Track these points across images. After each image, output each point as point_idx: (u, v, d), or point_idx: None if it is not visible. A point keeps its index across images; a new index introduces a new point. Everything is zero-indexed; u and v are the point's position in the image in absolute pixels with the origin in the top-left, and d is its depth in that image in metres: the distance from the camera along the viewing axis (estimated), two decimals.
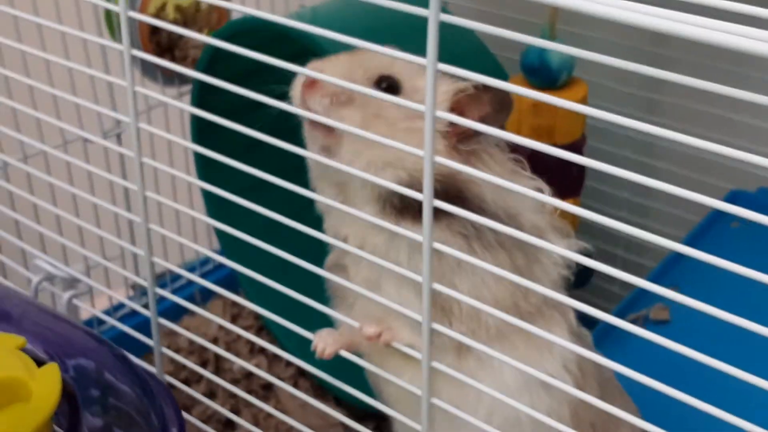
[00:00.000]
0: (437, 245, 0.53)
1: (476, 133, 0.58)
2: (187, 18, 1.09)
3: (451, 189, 0.57)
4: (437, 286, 0.55)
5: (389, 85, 0.61)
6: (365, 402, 0.68)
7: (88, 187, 0.97)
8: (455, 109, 0.59)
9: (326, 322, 0.70)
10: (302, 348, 0.87)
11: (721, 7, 0.42)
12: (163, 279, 1.20)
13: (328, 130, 0.60)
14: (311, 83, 0.61)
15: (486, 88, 0.57)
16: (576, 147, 0.79)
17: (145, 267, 0.73)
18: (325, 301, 0.70)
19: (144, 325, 0.82)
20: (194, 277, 0.76)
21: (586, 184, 0.91)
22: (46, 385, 0.56)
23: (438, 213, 0.53)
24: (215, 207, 1.11)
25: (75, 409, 0.60)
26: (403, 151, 0.52)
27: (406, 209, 0.59)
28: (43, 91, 0.80)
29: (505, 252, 0.60)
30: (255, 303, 1.12)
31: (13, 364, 0.57)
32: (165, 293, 0.76)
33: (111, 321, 0.84)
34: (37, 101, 0.92)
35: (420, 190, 0.52)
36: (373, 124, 0.58)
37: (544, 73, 0.79)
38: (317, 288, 0.70)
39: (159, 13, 1.07)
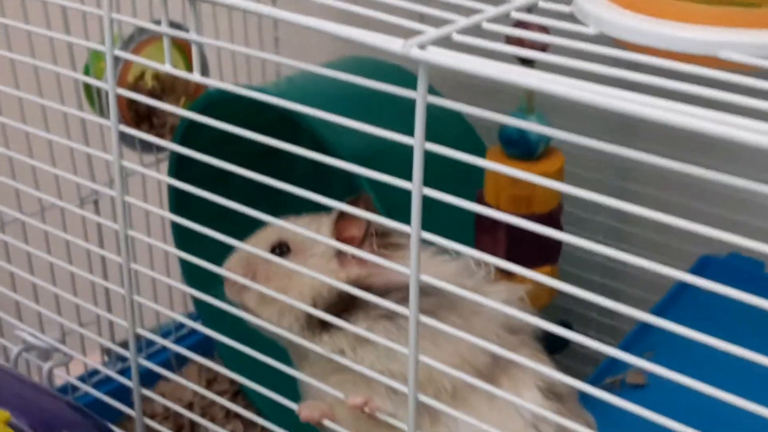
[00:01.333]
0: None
1: (363, 238, 0.70)
2: (165, 86, 1.09)
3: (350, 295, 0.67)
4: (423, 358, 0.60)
5: (281, 250, 0.74)
6: None
7: (65, 252, 0.97)
8: (341, 234, 0.72)
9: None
10: (278, 412, 0.87)
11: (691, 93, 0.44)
12: (138, 343, 1.19)
13: (244, 308, 0.75)
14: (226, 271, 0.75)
15: (355, 203, 0.66)
16: (553, 215, 0.80)
17: (123, 334, 0.73)
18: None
19: (118, 391, 0.81)
20: (169, 344, 0.76)
21: (562, 248, 0.92)
22: None
23: (351, 307, 0.68)
24: (192, 272, 1.11)
25: None
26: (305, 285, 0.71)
27: (313, 324, 0.71)
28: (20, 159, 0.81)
29: (435, 317, 0.62)
30: (231, 367, 1.13)
31: None
32: (146, 363, 0.76)
33: (86, 388, 0.84)
34: (14, 167, 0.92)
35: (317, 306, 0.69)
36: (273, 286, 0.71)
37: (522, 145, 0.80)
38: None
39: (137, 82, 1.08)
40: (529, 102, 0.82)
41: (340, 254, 0.72)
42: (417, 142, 0.51)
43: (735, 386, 0.51)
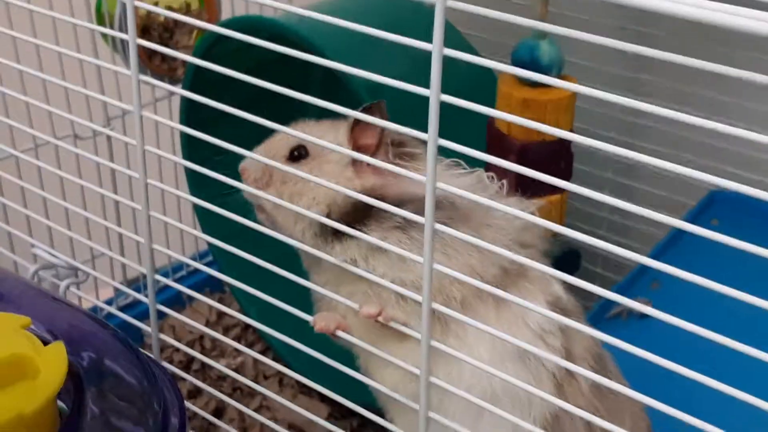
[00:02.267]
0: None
1: (378, 146, 0.70)
2: (177, 19, 1.09)
3: (365, 203, 0.65)
4: (438, 266, 0.58)
5: (299, 153, 0.74)
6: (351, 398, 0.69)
7: (80, 196, 0.98)
8: (356, 141, 0.71)
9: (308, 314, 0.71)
10: (289, 345, 0.88)
11: None
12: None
13: (260, 209, 0.75)
14: (242, 171, 0.75)
15: (369, 110, 0.65)
16: (565, 143, 0.80)
17: (144, 255, 0.73)
18: (309, 301, 0.70)
19: (130, 325, 0.82)
20: (180, 287, 0.76)
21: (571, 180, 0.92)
22: (52, 363, 0.56)
23: (364, 216, 0.68)
24: (202, 208, 1.11)
25: (80, 389, 0.60)
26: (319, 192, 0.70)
27: (326, 232, 0.70)
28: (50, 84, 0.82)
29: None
30: (241, 301, 1.14)
31: (20, 342, 0.57)
32: (165, 279, 0.77)
33: (106, 308, 0.85)
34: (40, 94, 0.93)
35: (330, 216, 0.68)
36: (288, 189, 0.72)
37: (534, 70, 0.80)
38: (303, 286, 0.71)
39: (150, 15, 1.07)
40: (543, 13, 0.81)
41: (356, 162, 0.71)
42: (435, 52, 0.50)
43: (737, 319, 0.52)
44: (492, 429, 0.66)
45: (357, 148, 0.70)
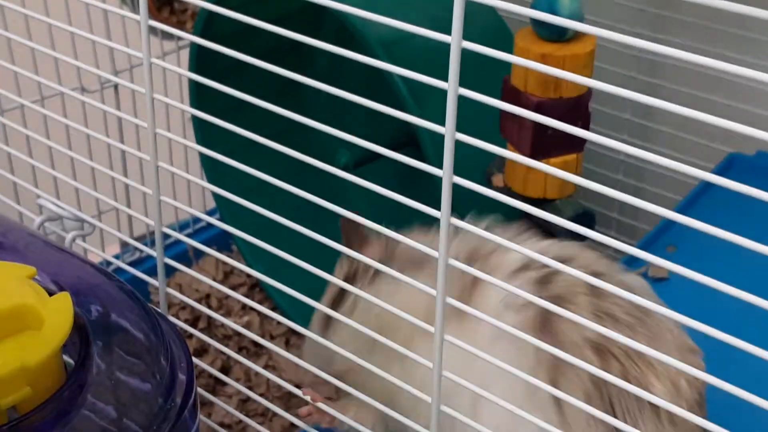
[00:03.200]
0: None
1: None
2: None
3: None
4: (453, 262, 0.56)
5: None
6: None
7: (86, 145, 0.96)
8: None
9: (319, 279, 0.69)
10: (295, 304, 0.87)
11: None
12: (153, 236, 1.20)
13: None
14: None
15: None
16: (582, 101, 0.78)
17: (152, 207, 0.72)
18: (318, 259, 0.69)
19: (135, 281, 0.80)
20: (188, 239, 0.75)
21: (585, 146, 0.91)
22: (57, 313, 0.55)
23: None
24: (211, 163, 1.11)
25: (85, 342, 0.59)
26: None
27: None
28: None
29: None
30: (248, 259, 1.13)
31: (25, 292, 0.56)
32: (173, 232, 0.75)
33: (115, 262, 0.84)
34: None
35: None
36: None
37: (553, 24, 0.78)
38: (311, 246, 0.70)
39: None
40: None
41: None
42: (454, 43, 0.49)
43: (755, 283, 0.50)
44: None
45: None
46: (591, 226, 0.85)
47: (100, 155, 1.00)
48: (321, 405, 0.71)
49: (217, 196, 1.15)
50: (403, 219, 0.64)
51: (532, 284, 0.64)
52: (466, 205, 0.58)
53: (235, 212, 1.08)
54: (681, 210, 0.98)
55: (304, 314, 0.76)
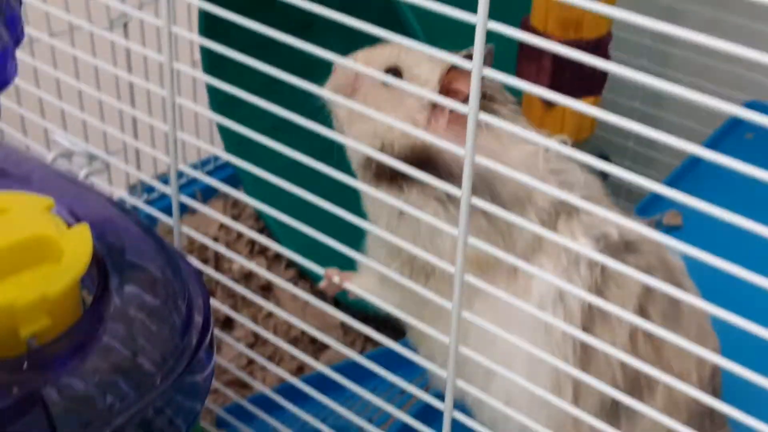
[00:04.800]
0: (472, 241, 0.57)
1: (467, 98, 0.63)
2: None
3: (422, 157, 0.65)
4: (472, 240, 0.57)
5: (393, 74, 0.68)
6: (364, 304, 0.68)
7: (94, 77, 0.95)
8: (447, 85, 0.67)
9: (329, 224, 0.69)
10: (303, 251, 0.86)
11: None
12: (163, 177, 1.19)
13: (335, 116, 0.72)
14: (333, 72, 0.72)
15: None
16: (602, 43, 0.78)
17: (168, 144, 0.71)
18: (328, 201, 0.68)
19: (149, 221, 0.80)
20: (202, 176, 0.74)
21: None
22: (76, 245, 0.55)
23: (409, 179, 0.64)
24: (220, 109, 1.09)
25: (103, 276, 0.59)
26: (383, 124, 0.65)
27: (382, 175, 0.68)
28: None
29: (477, 214, 0.63)
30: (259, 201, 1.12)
31: (43, 223, 0.56)
32: (191, 171, 0.75)
33: (127, 199, 0.83)
34: None
35: (391, 155, 0.64)
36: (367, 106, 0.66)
37: None
38: (320, 192, 0.69)
39: None
40: None
41: (435, 107, 0.67)
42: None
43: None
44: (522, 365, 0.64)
45: (446, 92, 0.67)
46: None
47: (109, 95, 0.99)
48: (346, 284, 0.73)
49: (227, 143, 1.15)
50: None
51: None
52: None
53: (244, 159, 1.07)
54: (683, 171, 0.98)
55: (312, 259, 0.75)
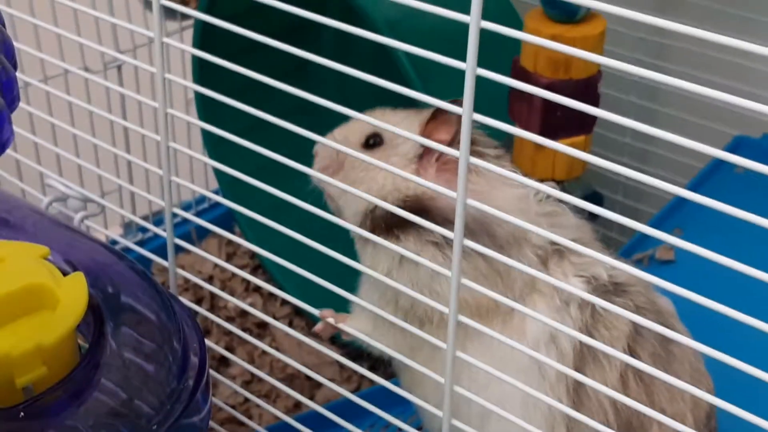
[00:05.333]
0: (465, 281, 0.58)
1: (451, 143, 0.66)
2: None
3: (415, 208, 0.65)
4: (465, 281, 0.58)
5: (374, 141, 0.73)
6: (359, 343, 0.68)
7: (88, 122, 0.96)
8: (429, 135, 0.68)
9: (325, 262, 0.69)
10: (299, 289, 0.87)
11: None
12: (158, 216, 1.20)
13: (329, 197, 0.75)
14: (315, 155, 0.75)
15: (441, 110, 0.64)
16: (592, 82, 0.78)
17: (163, 187, 0.72)
18: (321, 240, 0.69)
19: (144, 260, 0.80)
20: (193, 217, 0.74)
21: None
22: (72, 293, 0.55)
23: (407, 224, 0.66)
24: (214, 147, 1.10)
25: (99, 322, 0.59)
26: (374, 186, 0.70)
27: (377, 228, 0.69)
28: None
29: (475, 256, 0.64)
30: (252, 241, 1.13)
31: (39, 271, 0.56)
32: (185, 214, 0.75)
33: (122, 241, 0.84)
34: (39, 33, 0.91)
35: (375, 212, 0.68)
36: (351, 176, 0.72)
37: (563, 5, 0.78)
38: (314, 228, 0.70)
39: None
40: None
41: (421, 159, 0.70)
42: (473, 23, 0.49)
43: (762, 265, 0.50)
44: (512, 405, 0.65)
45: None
46: (600, 205, 0.85)
47: (104, 137, 1.00)
48: (341, 325, 0.74)
49: (220, 180, 1.15)
50: None
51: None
52: None
53: (239, 195, 1.08)
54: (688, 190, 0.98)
55: (307, 296, 0.76)
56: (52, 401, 0.53)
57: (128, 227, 1.21)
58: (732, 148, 1.02)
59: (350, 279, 0.75)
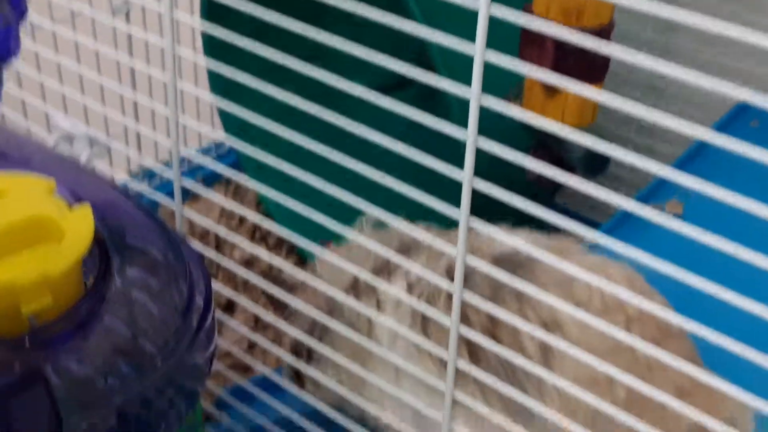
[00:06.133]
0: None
1: None
2: None
3: None
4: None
5: None
6: None
7: (95, 63, 0.95)
8: None
9: (335, 212, 0.69)
10: (304, 234, 0.86)
11: None
12: (166, 164, 1.19)
13: None
14: None
15: None
16: (605, 32, 0.77)
17: (170, 128, 0.71)
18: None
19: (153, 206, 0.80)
20: (208, 161, 0.74)
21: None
22: (78, 225, 0.55)
23: None
24: (222, 93, 1.09)
25: (105, 258, 0.59)
26: None
27: None
28: None
29: None
30: (260, 193, 1.12)
31: (45, 204, 0.56)
32: (191, 153, 0.74)
33: (128, 182, 0.84)
34: None
35: None
36: None
37: None
38: (325, 176, 0.69)
39: None
40: None
41: None
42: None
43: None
44: None
45: None
46: (607, 159, 0.85)
47: (111, 80, 0.99)
48: None
49: (228, 126, 1.15)
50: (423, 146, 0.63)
51: None
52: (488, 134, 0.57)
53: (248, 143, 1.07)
54: (690, 156, 0.97)
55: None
56: (57, 332, 0.53)
57: (135, 176, 1.21)
58: (744, 104, 1.01)
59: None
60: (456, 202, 0.55)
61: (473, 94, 0.52)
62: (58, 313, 0.53)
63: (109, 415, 0.52)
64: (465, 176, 0.54)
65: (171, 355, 0.56)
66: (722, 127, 0.99)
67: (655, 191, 0.92)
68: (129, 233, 0.62)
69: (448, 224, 0.61)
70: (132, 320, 0.57)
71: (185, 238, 0.67)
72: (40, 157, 0.69)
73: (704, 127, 0.46)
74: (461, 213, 0.55)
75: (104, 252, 0.59)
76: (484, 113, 0.53)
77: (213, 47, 1.07)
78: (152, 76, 0.74)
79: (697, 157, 0.96)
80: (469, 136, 0.53)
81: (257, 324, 1.07)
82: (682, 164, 0.95)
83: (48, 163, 0.68)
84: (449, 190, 0.58)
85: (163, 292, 0.59)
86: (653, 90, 1.10)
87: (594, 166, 0.75)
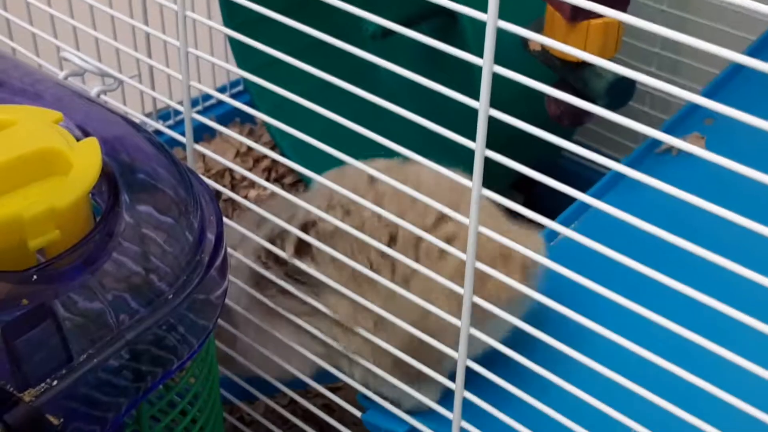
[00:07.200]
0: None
1: None
2: None
3: None
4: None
5: None
6: None
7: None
8: None
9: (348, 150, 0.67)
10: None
11: None
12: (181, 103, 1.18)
13: None
14: None
15: None
16: None
17: (181, 61, 0.70)
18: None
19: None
20: (224, 97, 0.73)
21: None
22: (86, 158, 0.54)
23: None
24: (237, 40, 1.08)
25: (114, 191, 0.58)
26: None
27: None
28: None
29: None
30: (272, 129, 1.11)
31: (52, 136, 0.54)
32: (199, 117, 0.73)
33: (140, 117, 0.83)
34: None
35: None
36: None
37: None
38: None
39: None
40: None
41: None
42: None
43: None
44: None
45: None
46: (630, 92, 0.83)
47: (125, 39, 0.98)
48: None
49: (243, 66, 1.13)
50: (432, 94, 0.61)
51: None
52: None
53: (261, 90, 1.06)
54: (719, 83, 0.95)
55: None
56: (65, 266, 0.52)
57: (148, 116, 1.20)
58: (755, 49, 0.98)
59: None
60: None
61: (486, 62, 0.50)
62: (66, 248, 0.52)
63: (120, 351, 0.51)
64: (477, 146, 0.52)
65: (182, 291, 0.55)
66: (736, 69, 0.97)
67: (676, 127, 0.91)
68: (139, 168, 0.61)
69: None
70: (142, 256, 0.55)
71: (196, 172, 0.65)
72: (51, 90, 0.67)
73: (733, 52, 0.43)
74: (473, 183, 0.53)
75: (114, 187, 0.58)
76: (504, 53, 0.51)
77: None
78: (163, 5, 0.72)
79: (718, 91, 0.94)
80: (481, 105, 0.51)
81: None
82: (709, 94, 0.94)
83: (58, 96, 0.67)
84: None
85: (173, 227, 0.58)
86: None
87: (614, 102, 0.73)
